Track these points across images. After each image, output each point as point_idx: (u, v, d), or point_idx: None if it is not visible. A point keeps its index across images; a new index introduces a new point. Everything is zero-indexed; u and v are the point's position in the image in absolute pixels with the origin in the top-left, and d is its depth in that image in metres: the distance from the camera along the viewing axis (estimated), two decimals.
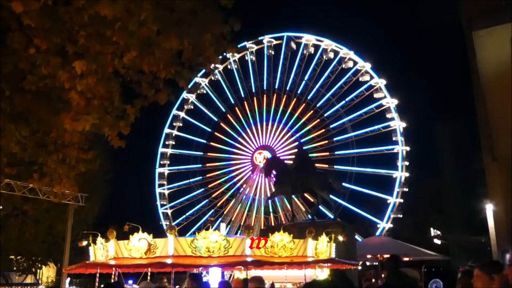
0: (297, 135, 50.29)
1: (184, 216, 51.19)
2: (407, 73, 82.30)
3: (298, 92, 50.94)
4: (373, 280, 16.80)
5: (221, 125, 53.64)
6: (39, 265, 37.15)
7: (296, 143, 44.26)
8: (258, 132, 51.91)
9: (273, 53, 51.65)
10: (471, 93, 25.02)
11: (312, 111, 50.21)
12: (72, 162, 6.70)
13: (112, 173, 38.55)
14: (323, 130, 49.44)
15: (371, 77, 47.43)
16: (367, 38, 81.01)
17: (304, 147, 42.46)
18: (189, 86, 49.19)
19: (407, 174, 45.33)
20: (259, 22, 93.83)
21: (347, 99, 49.00)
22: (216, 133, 53.71)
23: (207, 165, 53.57)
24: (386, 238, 38.70)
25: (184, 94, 51.35)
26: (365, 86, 47.91)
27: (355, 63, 48.07)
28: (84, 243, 21.48)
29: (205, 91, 53.62)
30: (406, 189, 45.27)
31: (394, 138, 45.88)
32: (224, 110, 53.81)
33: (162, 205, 51.37)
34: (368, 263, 33.13)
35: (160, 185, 51.96)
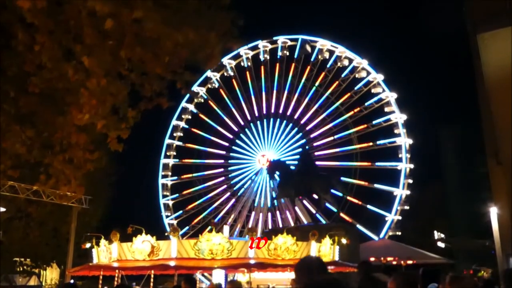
0: (302, 141, 50.10)
1: (185, 229, 50.90)
2: (415, 82, 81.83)
3: (308, 97, 50.57)
4: None
5: (227, 122, 53.56)
6: (43, 267, 37.23)
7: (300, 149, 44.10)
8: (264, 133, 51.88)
9: (287, 54, 51.31)
10: (476, 98, 25.00)
11: (319, 119, 49.93)
12: (79, 162, 6.73)
13: (115, 176, 38.61)
14: (329, 138, 49.02)
15: (383, 90, 46.82)
16: (380, 48, 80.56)
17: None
18: (196, 84, 49.53)
19: (408, 192, 44.47)
20: (273, 23, 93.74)
21: (355, 110, 48.43)
22: (221, 129, 53.59)
23: (211, 161, 53.50)
24: (390, 241, 38.63)
25: (194, 88, 50.72)
26: (376, 98, 47.24)
27: (368, 73, 47.55)
28: (88, 245, 21.55)
29: (216, 85, 53.29)
30: (406, 207, 44.45)
31: (399, 155, 45.14)
32: (232, 107, 53.61)
33: (164, 196, 51.33)
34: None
35: (164, 176, 51.88)
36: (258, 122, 52.13)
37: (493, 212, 23.49)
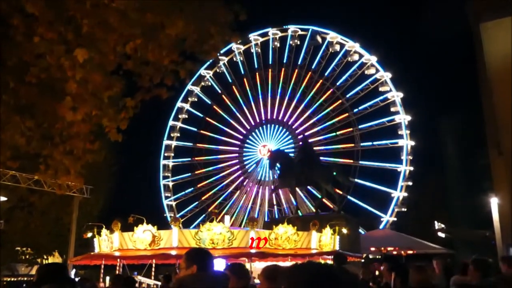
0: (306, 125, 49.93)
1: (188, 209, 51.25)
2: (419, 80, 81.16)
3: (313, 91, 50.38)
4: (377, 273, 16.79)
5: (228, 121, 53.51)
6: (45, 257, 37.43)
7: (301, 136, 44.09)
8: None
9: (298, 43, 50.92)
10: (477, 88, 24.93)
11: (323, 113, 49.76)
12: (78, 153, 6.72)
13: (116, 166, 38.65)
14: (331, 134, 48.96)
15: (390, 89, 46.42)
16: (388, 45, 79.46)
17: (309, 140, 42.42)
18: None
19: (405, 194, 44.53)
20: (284, 11, 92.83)
21: (360, 108, 48.33)
22: (217, 124, 53.52)
23: (212, 146, 53.58)
24: (390, 231, 38.69)
25: (201, 71, 50.69)
26: (382, 97, 46.89)
27: (377, 70, 47.12)
28: (89, 234, 21.64)
29: (224, 69, 53.12)
30: (404, 209, 44.57)
31: (401, 157, 44.96)
32: (236, 93, 53.36)
33: (166, 197, 51.45)
34: (371, 256, 33.11)
35: (165, 177, 52.04)
36: (262, 111, 52.07)
37: (494, 202, 23.52)
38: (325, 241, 21.21)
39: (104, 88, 6.17)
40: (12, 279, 36.88)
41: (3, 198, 26.19)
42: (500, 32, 22.46)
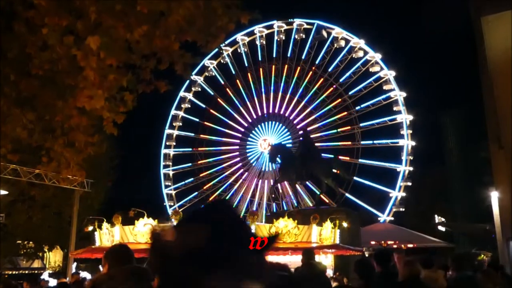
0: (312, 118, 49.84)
1: (187, 199, 51.22)
2: (425, 83, 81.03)
3: (316, 86, 49.85)
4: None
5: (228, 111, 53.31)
6: (46, 250, 37.50)
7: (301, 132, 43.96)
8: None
9: (303, 36, 50.30)
10: (478, 83, 24.90)
11: (325, 109, 49.55)
12: (80, 146, 6.71)
13: (117, 159, 38.62)
14: (332, 130, 48.88)
15: (393, 88, 45.95)
16: (395, 45, 79.02)
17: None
18: (207, 58, 48.96)
19: (404, 194, 43.90)
20: (289, 4, 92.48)
21: (362, 106, 47.95)
22: (218, 116, 53.38)
23: (214, 137, 53.24)
24: (391, 225, 38.81)
25: (205, 61, 50.03)
26: (385, 95, 46.46)
27: (381, 68, 46.59)
28: (90, 228, 21.71)
29: (227, 60, 52.58)
30: (402, 209, 44.07)
31: (401, 157, 44.43)
32: (239, 85, 53.01)
33: (166, 186, 51.35)
34: (367, 254, 33.14)
35: (165, 166, 51.84)
36: (265, 105, 51.85)
37: (494, 196, 23.54)
38: (325, 234, 21.23)
39: (120, 73, 6.14)
40: (14, 272, 37.02)
41: (4, 192, 26.21)
42: (501, 26, 22.40)
